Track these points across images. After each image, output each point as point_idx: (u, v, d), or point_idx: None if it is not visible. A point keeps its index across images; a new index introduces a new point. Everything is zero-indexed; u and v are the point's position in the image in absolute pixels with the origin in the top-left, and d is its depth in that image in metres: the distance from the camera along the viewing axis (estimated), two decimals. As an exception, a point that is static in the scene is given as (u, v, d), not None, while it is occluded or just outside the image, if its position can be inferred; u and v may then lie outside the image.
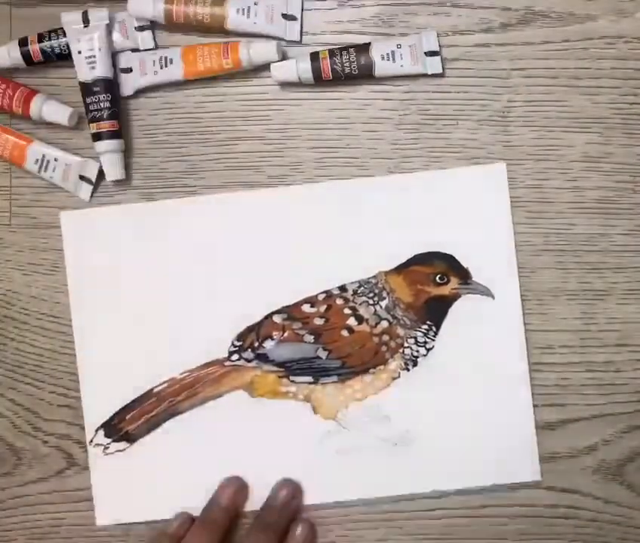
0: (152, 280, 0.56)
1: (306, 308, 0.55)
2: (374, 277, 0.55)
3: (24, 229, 0.57)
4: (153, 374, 0.55)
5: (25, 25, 0.57)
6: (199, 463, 0.55)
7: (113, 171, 0.55)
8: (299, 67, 0.55)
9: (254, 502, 0.55)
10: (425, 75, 0.55)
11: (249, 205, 0.56)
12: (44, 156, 0.55)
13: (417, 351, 0.55)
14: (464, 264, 0.55)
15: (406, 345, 0.55)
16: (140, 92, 0.57)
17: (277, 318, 0.55)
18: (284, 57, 0.56)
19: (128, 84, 0.56)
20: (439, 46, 0.55)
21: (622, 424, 0.55)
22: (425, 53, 0.55)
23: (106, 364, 0.56)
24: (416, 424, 0.55)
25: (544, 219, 0.55)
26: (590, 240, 0.55)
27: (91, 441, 0.56)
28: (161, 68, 0.55)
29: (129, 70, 0.56)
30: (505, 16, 0.56)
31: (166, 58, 0.55)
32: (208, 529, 0.52)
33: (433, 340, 0.55)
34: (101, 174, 0.56)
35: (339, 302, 0.55)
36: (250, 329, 0.55)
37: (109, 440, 0.56)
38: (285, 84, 0.56)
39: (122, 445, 0.56)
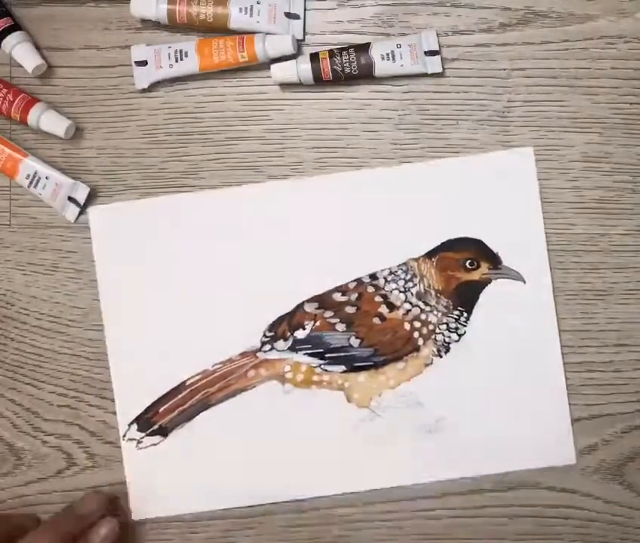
0: (182, 272, 0.56)
1: (338, 296, 0.55)
2: (404, 264, 0.55)
3: (24, 229, 0.57)
4: (186, 366, 0.55)
5: (25, 25, 0.57)
6: (233, 455, 0.55)
7: (31, 60, 0.55)
8: (299, 67, 0.55)
9: (291, 492, 0.55)
10: (425, 75, 0.55)
11: (279, 195, 0.56)
12: (35, 173, 0.55)
13: (449, 337, 0.55)
14: (494, 249, 0.55)
15: (438, 331, 0.55)
16: (154, 85, 0.56)
17: (308, 307, 0.55)
18: (299, 50, 0.56)
19: (143, 77, 0.56)
20: (439, 46, 0.55)
21: (622, 424, 0.55)
22: (425, 52, 0.55)
23: (138, 358, 0.56)
24: (450, 410, 0.55)
25: (544, 219, 0.55)
26: (590, 240, 0.55)
27: (124, 436, 0.56)
28: (177, 61, 0.55)
29: (144, 63, 0.56)
30: (505, 16, 0.56)
31: (181, 51, 0.55)
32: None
33: (465, 326, 0.55)
34: (89, 198, 0.56)
35: (370, 289, 0.55)
36: (281, 319, 0.55)
37: (142, 434, 0.56)
38: (285, 85, 0.56)
39: (156, 439, 0.56)
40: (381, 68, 0.55)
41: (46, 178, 0.55)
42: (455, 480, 0.55)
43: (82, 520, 0.53)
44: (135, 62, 0.56)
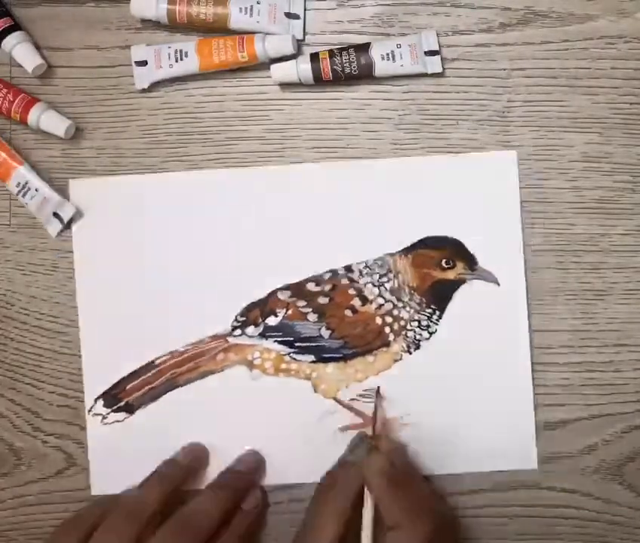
0: (157, 252, 0.56)
1: (311, 286, 0.55)
2: (381, 258, 0.55)
3: (24, 229, 0.57)
4: (155, 346, 0.56)
5: (25, 25, 0.57)
6: (197, 437, 0.55)
7: (31, 60, 0.55)
8: (299, 68, 0.55)
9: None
10: (425, 75, 0.55)
11: (258, 180, 0.56)
12: (26, 183, 0.55)
13: (420, 335, 0.55)
14: (471, 249, 0.55)
15: (409, 327, 0.55)
16: (154, 85, 0.56)
17: (282, 295, 0.55)
18: (299, 50, 0.56)
19: (143, 77, 0.56)
20: (439, 46, 0.55)
21: (622, 424, 0.55)
22: (425, 52, 0.55)
23: (108, 334, 0.56)
24: (416, 407, 0.55)
25: (544, 219, 0.55)
26: (590, 240, 0.55)
27: (90, 410, 0.56)
28: (177, 61, 0.55)
29: (144, 63, 0.56)
30: (505, 16, 0.56)
31: (181, 51, 0.55)
32: (162, 484, 0.52)
33: (437, 324, 0.55)
34: (74, 217, 0.56)
35: (344, 282, 0.55)
36: (254, 305, 0.55)
37: (108, 410, 0.56)
38: (285, 84, 0.56)
39: (121, 415, 0.56)
40: (381, 68, 0.55)
41: (35, 190, 0.55)
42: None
43: (245, 479, 0.54)
44: (135, 62, 0.56)
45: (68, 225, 0.56)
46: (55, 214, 0.56)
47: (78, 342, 0.56)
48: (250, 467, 0.54)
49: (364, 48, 0.55)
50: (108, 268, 0.56)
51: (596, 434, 0.55)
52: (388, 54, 0.55)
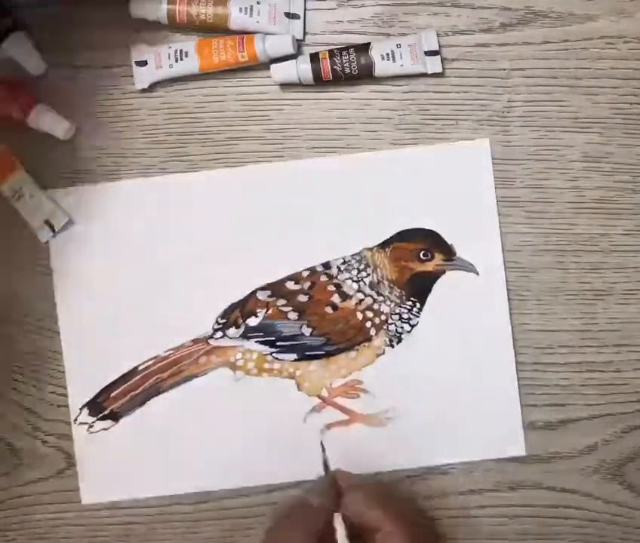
0: (137, 257, 0.56)
1: (290, 285, 0.55)
2: (358, 254, 0.55)
3: (24, 229, 0.57)
4: (138, 352, 0.56)
5: (26, 25, 0.57)
6: (184, 440, 0.55)
7: (31, 61, 0.55)
8: (299, 68, 0.55)
9: (240, 479, 0.55)
10: (425, 75, 0.55)
11: (232, 183, 0.56)
12: (21, 188, 0.55)
13: (402, 328, 0.55)
14: (448, 240, 0.55)
15: (390, 321, 0.55)
16: (154, 85, 0.56)
17: (261, 295, 0.55)
18: (299, 50, 0.56)
19: (143, 77, 0.56)
20: (439, 46, 0.55)
21: (622, 424, 0.55)
22: (425, 52, 0.55)
23: (90, 343, 0.56)
24: (401, 400, 0.55)
25: (544, 219, 0.55)
26: (590, 240, 0.55)
27: (76, 420, 0.56)
28: (177, 61, 0.55)
29: (144, 63, 0.56)
30: (505, 16, 0.56)
31: (181, 51, 0.55)
32: None
33: (417, 316, 0.55)
34: (65, 226, 0.56)
35: (323, 278, 0.55)
36: (234, 307, 0.56)
37: (93, 419, 0.56)
38: (285, 85, 0.56)
39: (107, 423, 0.56)
40: (381, 68, 0.55)
41: (30, 196, 0.55)
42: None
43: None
44: (135, 62, 0.56)
45: (59, 232, 0.56)
46: (47, 221, 0.56)
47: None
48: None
49: (364, 48, 0.55)
50: (86, 275, 0.56)
51: (596, 434, 0.55)
52: (388, 54, 0.55)
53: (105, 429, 0.56)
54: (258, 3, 0.55)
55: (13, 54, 0.56)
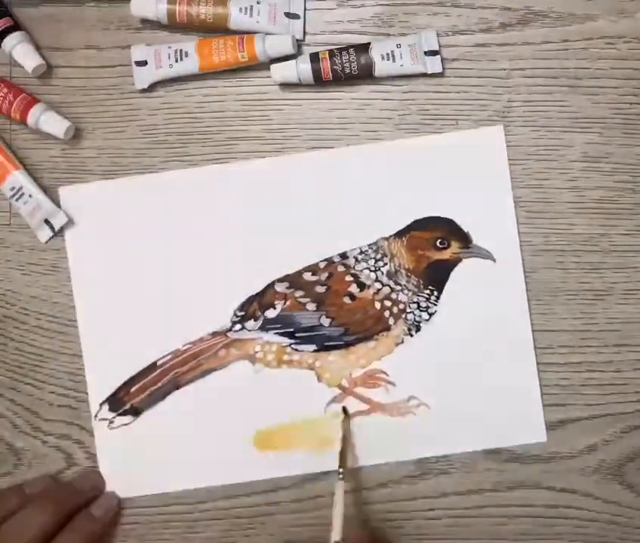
0: (154, 252, 0.56)
1: (308, 276, 0.55)
2: (375, 243, 0.55)
3: (24, 229, 0.57)
4: (157, 347, 0.56)
5: (25, 25, 0.57)
6: (204, 435, 0.55)
7: (31, 60, 0.55)
8: (299, 68, 0.55)
9: (263, 471, 0.55)
10: (425, 75, 0.55)
11: (249, 174, 0.56)
12: (21, 187, 0.55)
13: (420, 316, 0.55)
14: (464, 228, 0.55)
15: (409, 310, 0.55)
16: (154, 85, 0.56)
17: (279, 287, 0.55)
18: (299, 50, 0.56)
19: (143, 77, 0.56)
20: (439, 46, 0.55)
21: (622, 424, 0.55)
22: (425, 52, 0.55)
23: (110, 338, 0.56)
24: (421, 389, 0.55)
25: (544, 219, 0.55)
26: (590, 240, 0.55)
27: (96, 416, 0.56)
28: (177, 61, 0.55)
29: (144, 63, 0.56)
30: (505, 16, 0.56)
31: (181, 51, 0.55)
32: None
33: (435, 305, 0.55)
34: (63, 227, 0.56)
35: (340, 269, 0.55)
36: (252, 299, 0.55)
37: (113, 414, 0.56)
38: (285, 85, 0.56)
39: (127, 419, 0.56)
40: (381, 68, 0.55)
41: (29, 196, 0.55)
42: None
43: (79, 495, 0.54)
44: (135, 62, 0.56)
45: (58, 232, 0.56)
46: (46, 221, 0.56)
47: (78, 341, 0.56)
48: (89, 486, 0.55)
49: (364, 48, 0.55)
50: (104, 272, 0.56)
51: (596, 434, 0.55)
52: (388, 54, 0.55)
53: (125, 424, 0.56)
54: (258, 3, 0.55)
55: (13, 54, 0.56)
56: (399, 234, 0.55)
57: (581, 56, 0.55)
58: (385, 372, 0.55)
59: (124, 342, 0.56)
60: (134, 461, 0.56)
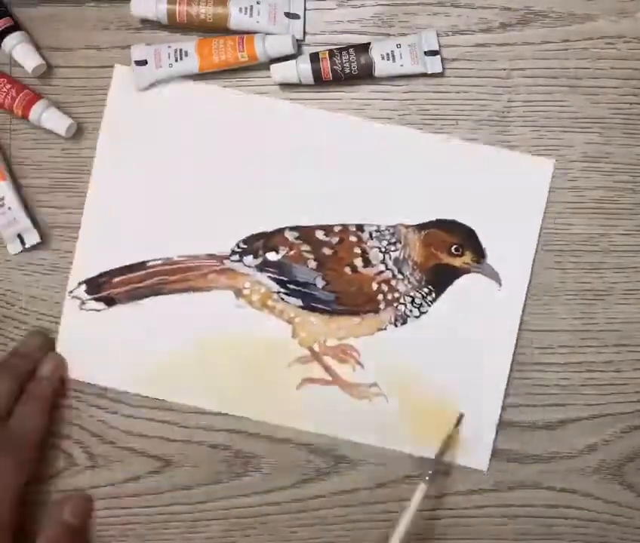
0: (178, 159, 0.56)
1: (320, 234, 0.55)
2: (393, 226, 0.55)
3: (24, 229, 0.57)
4: (152, 249, 0.56)
5: (25, 25, 0.57)
6: (169, 347, 0.56)
7: (31, 60, 0.55)
8: (299, 67, 0.55)
9: (215, 404, 0.56)
10: (425, 75, 0.55)
11: (288, 118, 0.56)
12: (2, 198, 0.55)
13: (410, 311, 0.55)
14: (483, 243, 0.55)
15: (402, 301, 0.55)
16: (154, 85, 0.56)
17: (288, 234, 0.55)
18: (299, 50, 0.56)
19: (143, 77, 0.56)
20: (439, 46, 0.55)
21: (622, 424, 0.55)
22: (425, 52, 0.55)
23: (110, 225, 0.56)
24: (385, 381, 0.55)
25: (544, 219, 0.55)
26: (590, 240, 0.55)
27: (71, 292, 0.56)
28: (177, 61, 0.55)
29: (144, 62, 0.56)
30: (505, 16, 0.56)
31: (181, 50, 0.55)
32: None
33: (429, 305, 0.55)
34: (38, 245, 0.56)
35: (352, 239, 0.55)
36: (259, 236, 0.55)
37: (88, 297, 0.56)
38: (285, 85, 0.56)
39: (100, 305, 0.56)
40: (381, 68, 0.55)
41: (8, 208, 0.55)
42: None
43: (29, 359, 0.55)
44: (135, 61, 0.56)
45: (28, 249, 0.57)
46: (19, 236, 0.56)
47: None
48: (35, 345, 0.56)
49: (364, 48, 0.55)
50: (126, 160, 0.56)
51: (596, 434, 0.55)
52: (388, 54, 0.55)
53: (97, 310, 0.56)
54: (258, 3, 0.55)
55: (13, 54, 0.56)
56: (420, 227, 0.55)
57: (581, 56, 0.55)
58: (357, 351, 0.55)
59: (122, 235, 0.56)
60: (94, 348, 0.56)
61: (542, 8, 0.56)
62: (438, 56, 0.55)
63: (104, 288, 0.56)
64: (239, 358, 0.55)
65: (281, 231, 0.55)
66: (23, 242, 0.56)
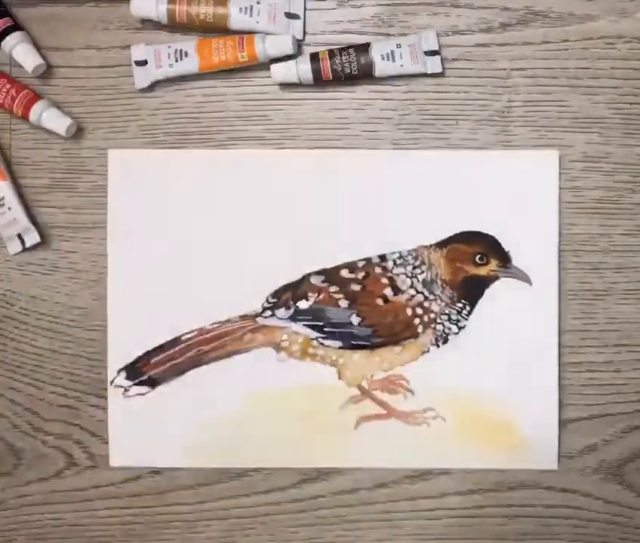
0: (193, 227, 0.56)
1: (345, 273, 0.55)
2: (415, 250, 0.55)
3: (24, 229, 0.57)
4: (183, 322, 0.56)
5: (25, 25, 0.57)
6: (220, 416, 0.55)
7: (31, 60, 0.55)
8: (299, 67, 0.55)
9: (271, 460, 0.55)
10: (425, 75, 0.55)
11: (301, 165, 0.56)
12: (2, 198, 0.55)
13: (449, 329, 0.55)
14: (505, 247, 0.55)
15: (439, 320, 0.55)
16: (154, 84, 0.56)
17: (314, 279, 0.55)
18: (299, 50, 0.56)
19: (143, 77, 0.56)
20: (439, 46, 0.55)
21: (622, 424, 0.55)
22: (425, 52, 0.55)
23: (137, 307, 0.56)
24: (439, 402, 0.55)
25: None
26: (590, 240, 0.55)
27: (112, 382, 0.56)
28: (177, 61, 0.55)
29: (144, 62, 0.56)
30: (505, 16, 0.56)
31: (181, 51, 0.55)
32: None
33: (466, 319, 0.55)
34: (37, 246, 0.56)
35: (377, 270, 0.55)
36: (286, 288, 0.55)
37: (130, 383, 0.56)
38: (285, 84, 0.56)
39: (143, 389, 0.56)
40: (381, 68, 0.55)
41: (8, 208, 0.55)
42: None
43: None
44: (135, 61, 0.56)
45: (28, 249, 0.57)
46: (19, 235, 0.56)
47: (77, 341, 0.56)
48: None
49: (364, 48, 0.55)
50: (141, 240, 0.56)
51: (596, 434, 0.55)
52: (388, 54, 0.55)
53: (141, 394, 0.56)
54: (258, 3, 0.55)
55: (13, 54, 0.56)
56: (440, 245, 0.55)
57: (581, 56, 0.55)
58: (406, 379, 0.55)
59: (150, 313, 0.56)
60: (145, 432, 0.56)
61: (542, 8, 0.56)
62: (438, 56, 0.55)
63: (144, 371, 0.55)
64: (290, 411, 0.55)
65: (306, 278, 0.55)
66: (23, 242, 0.56)
